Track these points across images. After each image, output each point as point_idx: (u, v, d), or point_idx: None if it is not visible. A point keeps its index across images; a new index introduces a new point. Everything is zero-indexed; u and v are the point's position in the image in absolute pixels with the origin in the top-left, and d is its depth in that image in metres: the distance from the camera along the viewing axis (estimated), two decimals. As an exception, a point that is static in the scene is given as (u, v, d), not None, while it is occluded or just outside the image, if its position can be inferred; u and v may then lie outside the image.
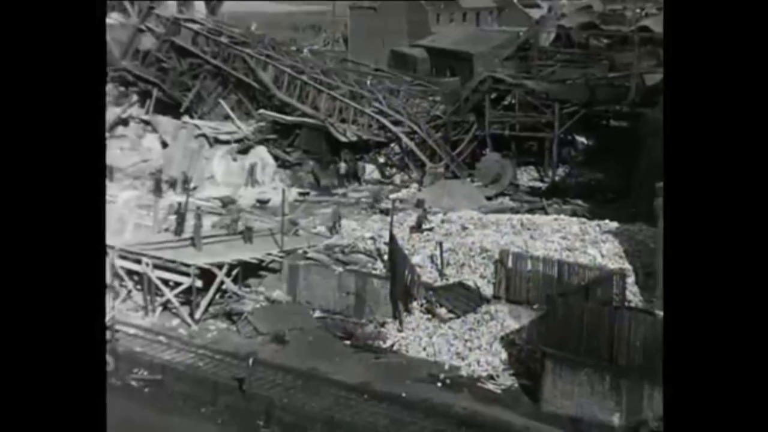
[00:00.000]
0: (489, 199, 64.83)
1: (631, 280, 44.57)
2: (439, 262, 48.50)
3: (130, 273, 49.76)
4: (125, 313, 48.34)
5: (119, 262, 49.20)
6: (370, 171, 71.95)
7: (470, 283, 47.10)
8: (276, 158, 71.55)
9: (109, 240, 51.27)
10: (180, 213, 53.40)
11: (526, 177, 71.24)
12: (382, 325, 46.55)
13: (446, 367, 42.96)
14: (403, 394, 40.15)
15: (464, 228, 52.68)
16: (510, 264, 45.93)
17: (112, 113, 79.54)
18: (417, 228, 52.87)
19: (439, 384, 41.48)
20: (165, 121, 77.99)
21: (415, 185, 68.64)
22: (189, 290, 48.12)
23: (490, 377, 41.87)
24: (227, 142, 72.25)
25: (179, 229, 52.73)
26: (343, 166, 70.77)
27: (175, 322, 48.25)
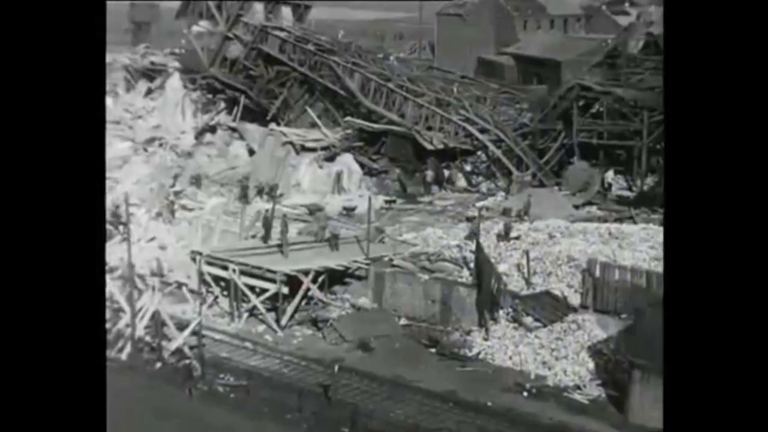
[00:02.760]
0: (576, 207, 64.30)
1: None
2: (525, 270, 48.23)
3: (217, 279, 50.14)
4: (212, 319, 48.66)
5: (206, 268, 49.57)
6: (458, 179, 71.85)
7: (557, 293, 46.82)
8: (362, 166, 71.70)
9: (197, 246, 52.14)
10: (267, 220, 53.64)
11: (615, 186, 70.49)
12: (468, 333, 46.38)
13: (532, 376, 42.66)
14: (489, 403, 39.93)
15: (551, 237, 52.39)
16: (597, 273, 45.61)
17: (200, 120, 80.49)
18: (504, 236, 52.67)
19: (525, 393, 41.19)
20: (252, 129, 78.55)
21: (501, 194, 68.32)
22: (275, 297, 48.28)
23: (577, 387, 41.50)
24: (314, 150, 72.51)
25: (266, 236, 52.95)
26: (429, 174, 70.58)
27: (261, 328, 48.45)
